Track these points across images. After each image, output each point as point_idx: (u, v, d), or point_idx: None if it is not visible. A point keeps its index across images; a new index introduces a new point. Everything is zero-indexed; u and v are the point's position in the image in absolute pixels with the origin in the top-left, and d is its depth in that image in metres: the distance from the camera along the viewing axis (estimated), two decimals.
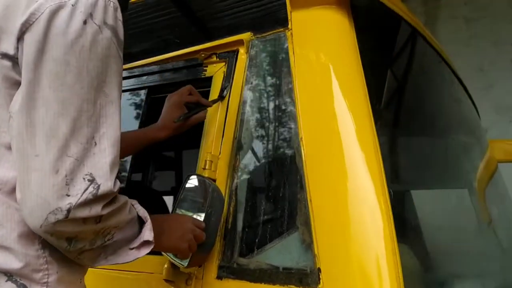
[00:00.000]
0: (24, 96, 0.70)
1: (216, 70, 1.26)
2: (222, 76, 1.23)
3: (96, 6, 0.72)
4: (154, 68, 1.41)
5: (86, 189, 0.69)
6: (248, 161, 1.10)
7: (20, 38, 0.71)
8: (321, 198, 0.94)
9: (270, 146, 1.10)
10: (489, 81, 3.93)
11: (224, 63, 1.25)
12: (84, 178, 0.69)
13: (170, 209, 2.22)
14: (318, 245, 0.91)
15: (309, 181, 0.96)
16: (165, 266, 1.05)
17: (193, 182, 1.05)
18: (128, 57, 1.43)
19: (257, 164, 1.10)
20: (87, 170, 0.70)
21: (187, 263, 0.98)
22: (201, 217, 1.00)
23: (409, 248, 1.36)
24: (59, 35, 0.70)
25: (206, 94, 1.25)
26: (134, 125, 1.41)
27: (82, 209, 0.69)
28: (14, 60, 0.72)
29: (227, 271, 1.01)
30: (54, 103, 0.69)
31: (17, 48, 0.72)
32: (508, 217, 1.90)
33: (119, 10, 0.77)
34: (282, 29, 1.15)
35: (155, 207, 1.99)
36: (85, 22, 0.71)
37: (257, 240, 1.02)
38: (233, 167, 1.10)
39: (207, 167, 1.10)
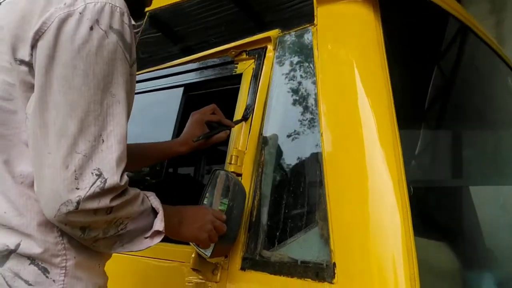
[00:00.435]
0: (37, 99, 0.77)
1: (246, 67, 1.29)
2: (251, 73, 1.26)
3: (102, 13, 0.78)
4: (190, 66, 1.46)
5: (94, 182, 0.75)
6: (272, 156, 1.13)
7: (34, 46, 0.78)
8: (339, 194, 0.95)
9: (293, 142, 1.11)
10: None
11: (253, 60, 1.27)
12: (92, 173, 0.75)
13: None
14: (334, 240, 0.91)
15: (327, 177, 0.97)
16: (192, 255, 1.10)
17: (218, 176, 1.09)
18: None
19: (281, 159, 1.12)
20: (95, 166, 0.75)
21: (210, 253, 1.02)
22: (224, 209, 1.04)
23: (447, 246, 1.33)
24: (67, 42, 0.76)
25: (236, 91, 1.28)
26: (171, 121, 1.48)
27: (91, 201, 0.75)
28: (30, 65, 0.79)
29: (250, 262, 1.05)
30: (63, 105, 0.76)
31: (31, 54, 0.79)
32: None
33: (126, 15, 0.82)
34: (308, 25, 1.16)
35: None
36: (91, 28, 0.77)
37: (279, 233, 1.04)
38: (258, 162, 1.13)
39: (233, 162, 1.14)
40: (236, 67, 1.32)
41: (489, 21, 4.03)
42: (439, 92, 1.30)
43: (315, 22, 1.14)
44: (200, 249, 1.05)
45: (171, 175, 2.21)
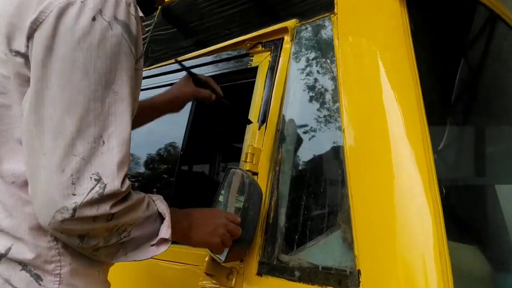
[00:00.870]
0: (32, 94, 0.71)
1: (261, 60, 1.22)
2: (268, 66, 1.19)
3: (106, 2, 0.71)
4: (203, 59, 1.40)
5: (93, 188, 0.68)
6: (291, 154, 1.06)
7: (30, 36, 0.72)
8: (363, 194, 0.88)
9: (312, 138, 1.04)
10: None
11: (269, 52, 1.21)
12: (91, 178, 0.69)
13: None
14: (358, 245, 0.84)
15: (350, 176, 0.90)
16: (206, 259, 1.04)
17: (232, 175, 1.03)
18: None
19: (299, 157, 1.05)
20: (94, 170, 0.69)
21: (224, 257, 0.96)
22: (238, 211, 0.98)
23: (476, 249, 1.25)
24: (67, 33, 0.69)
25: (252, 85, 1.21)
26: (184, 116, 1.42)
27: (88, 208, 0.68)
28: (26, 57, 0.73)
29: (267, 267, 0.98)
30: (61, 102, 0.69)
31: (28, 46, 0.73)
32: None
33: (132, 5, 0.75)
34: (327, 14, 1.09)
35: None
36: (94, 19, 0.70)
37: (298, 236, 0.98)
38: (275, 160, 1.06)
39: (248, 160, 1.08)
40: (252, 60, 1.25)
41: None
42: (466, 85, 1.21)
43: (335, 10, 1.07)
44: (213, 253, 0.99)
45: (185, 173, 2.16)
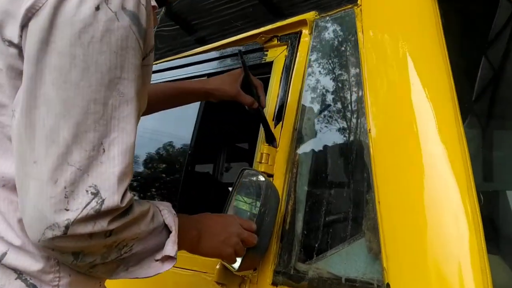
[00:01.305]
0: (24, 92, 0.62)
1: (277, 55, 1.15)
2: (284, 61, 1.12)
3: None
4: (214, 54, 1.33)
5: (88, 203, 0.60)
6: (309, 155, 0.99)
7: (24, 26, 0.63)
8: (392, 200, 0.80)
9: (333, 139, 0.97)
10: None
11: (285, 47, 1.13)
12: (87, 191, 0.60)
13: None
14: (387, 256, 0.77)
15: (377, 180, 0.82)
16: (217, 267, 0.97)
17: (246, 177, 0.96)
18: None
19: (319, 158, 0.98)
20: (91, 182, 0.61)
21: (238, 266, 0.89)
22: (253, 217, 0.90)
23: (502, 260, 1.17)
24: (66, 23, 0.61)
25: (266, 80, 1.14)
26: (193, 114, 1.35)
27: (83, 225, 0.60)
28: (19, 48, 0.65)
29: (283, 277, 0.91)
30: (56, 103, 0.61)
31: (21, 36, 0.64)
32: None
33: None
34: (350, 6, 1.01)
35: (219, 199, 1.93)
36: (97, 8, 0.61)
37: (317, 245, 0.90)
38: (292, 161, 0.99)
39: (263, 161, 1.01)
40: (266, 55, 1.18)
41: None
42: (500, 84, 1.14)
43: (358, 2, 1.00)
44: (225, 262, 0.92)
45: (192, 173, 2.09)
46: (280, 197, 0.95)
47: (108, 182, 0.61)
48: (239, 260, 0.89)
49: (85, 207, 0.60)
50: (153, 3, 0.73)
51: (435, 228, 0.75)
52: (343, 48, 1.01)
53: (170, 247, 0.71)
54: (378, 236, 0.80)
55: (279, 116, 1.06)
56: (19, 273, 0.66)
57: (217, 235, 0.82)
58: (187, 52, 1.38)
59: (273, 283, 0.91)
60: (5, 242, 0.66)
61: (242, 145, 3.05)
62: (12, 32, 0.65)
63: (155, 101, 1.04)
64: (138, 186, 1.59)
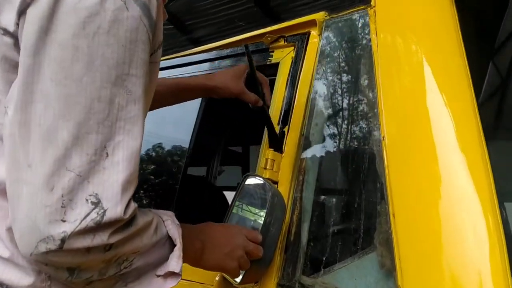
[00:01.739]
0: (20, 87, 0.56)
1: (283, 56, 1.10)
2: (290, 63, 1.07)
3: None
4: (216, 53, 1.28)
5: (88, 214, 0.54)
6: (317, 162, 0.94)
7: (22, 12, 0.57)
8: (408, 212, 0.75)
9: (343, 146, 0.92)
10: None
11: (293, 48, 1.08)
12: (87, 200, 0.54)
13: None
14: (402, 273, 0.72)
15: (392, 191, 0.77)
16: (216, 278, 0.92)
17: (250, 184, 0.90)
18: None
19: (327, 166, 0.93)
20: (92, 190, 0.55)
21: (240, 279, 0.83)
22: (258, 227, 0.85)
23: None
24: (69, 12, 0.55)
25: (272, 82, 1.09)
26: (192, 115, 1.30)
27: (81, 238, 0.54)
28: (15, 38, 0.59)
29: None
30: (55, 100, 0.55)
31: (18, 24, 0.58)
32: None
33: None
34: (363, 7, 0.97)
35: (214, 203, 1.88)
36: None
37: (324, 258, 0.85)
38: (299, 168, 0.94)
39: (268, 167, 0.95)
40: (272, 56, 1.13)
41: None
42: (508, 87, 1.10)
43: (372, 2, 0.95)
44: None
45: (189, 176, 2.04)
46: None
47: (111, 190, 0.55)
48: (241, 272, 0.83)
49: (84, 219, 0.54)
50: None
51: (454, 245, 0.70)
52: (354, 51, 0.96)
53: (175, 263, 0.65)
54: (392, 251, 0.74)
55: (285, 120, 1.01)
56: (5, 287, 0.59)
57: (221, 247, 0.77)
58: (188, 51, 1.33)
59: None
60: None
61: (235, 148, 3.02)
62: (7, 19, 0.59)
63: (159, 96, 0.98)
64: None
